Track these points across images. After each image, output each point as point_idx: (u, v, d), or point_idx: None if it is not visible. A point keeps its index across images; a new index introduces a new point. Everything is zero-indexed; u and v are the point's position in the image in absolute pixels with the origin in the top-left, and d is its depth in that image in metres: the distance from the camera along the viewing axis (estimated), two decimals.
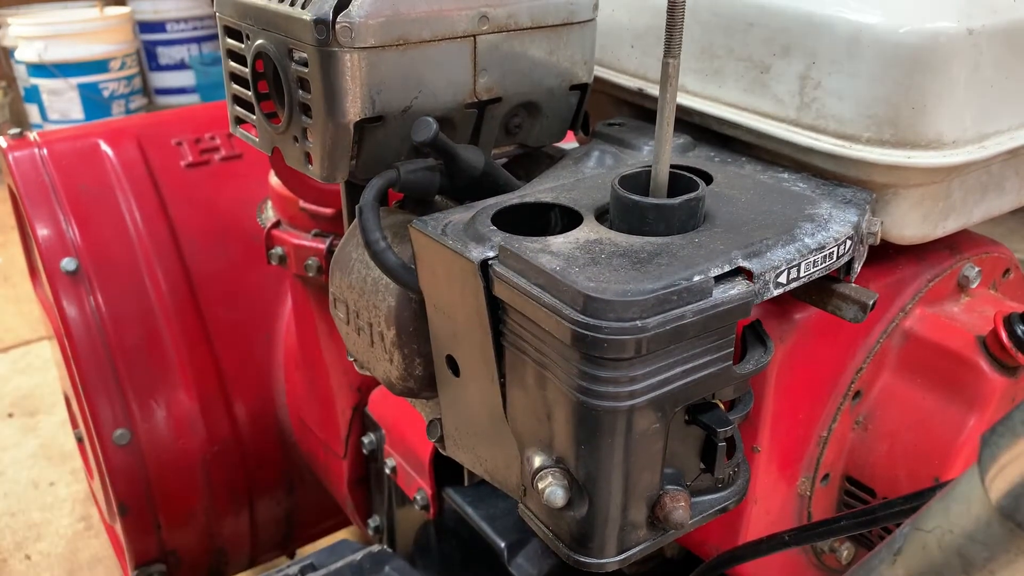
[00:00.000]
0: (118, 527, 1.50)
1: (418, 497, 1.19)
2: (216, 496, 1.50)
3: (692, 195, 0.55)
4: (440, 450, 0.69)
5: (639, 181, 0.57)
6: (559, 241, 0.54)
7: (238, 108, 0.74)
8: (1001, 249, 0.80)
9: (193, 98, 4.78)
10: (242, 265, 1.50)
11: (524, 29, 0.67)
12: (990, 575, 0.34)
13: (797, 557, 0.81)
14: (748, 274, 0.52)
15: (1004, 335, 0.68)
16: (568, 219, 0.59)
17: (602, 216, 0.58)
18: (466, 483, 1.15)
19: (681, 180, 0.57)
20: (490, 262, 0.53)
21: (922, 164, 0.62)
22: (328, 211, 1.22)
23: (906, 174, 0.63)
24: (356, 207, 0.61)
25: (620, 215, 0.56)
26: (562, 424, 0.52)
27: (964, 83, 0.63)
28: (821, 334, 0.69)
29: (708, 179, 0.63)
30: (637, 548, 0.55)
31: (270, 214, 1.32)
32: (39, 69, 4.19)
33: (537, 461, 0.54)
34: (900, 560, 0.38)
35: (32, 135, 1.48)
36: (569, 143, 0.80)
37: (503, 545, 1.03)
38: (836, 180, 0.66)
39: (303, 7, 0.61)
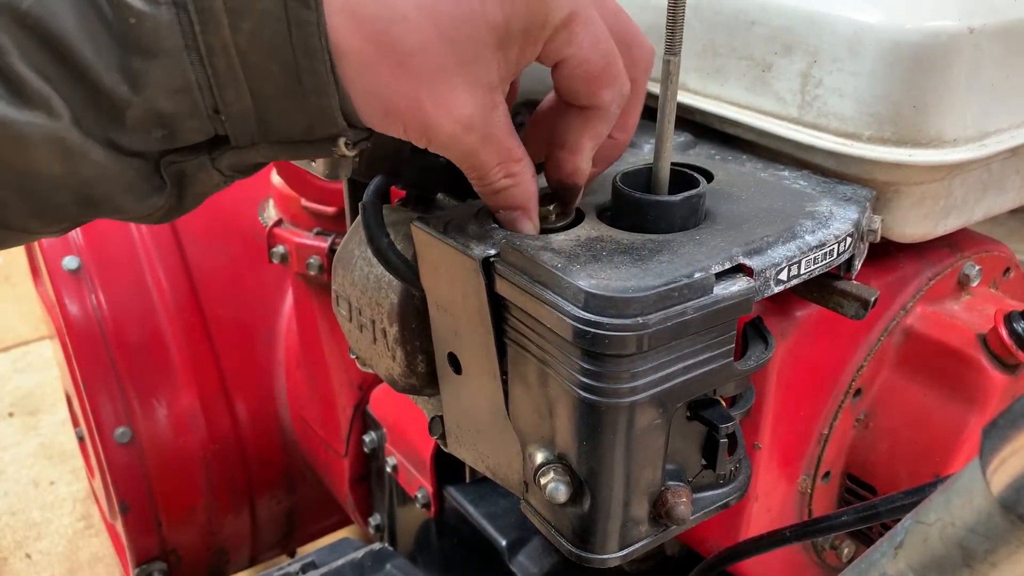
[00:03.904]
0: (119, 526, 1.51)
1: (419, 495, 1.19)
2: (217, 494, 1.50)
3: (693, 192, 0.55)
4: (442, 447, 0.69)
5: (640, 178, 0.57)
6: (560, 239, 0.54)
7: None
8: (1001, 248, 0.80)
9: None
10: (243, 264, 1.51)
11: None
12: (991, 567, 0.34)
13: (798, 555, 0.81)
14: (749, 271, 0.52)
15: (1004, 333, 0.68)
16: None
17: (603, 213, 0.58)
18: (467, 480, 1.15)
19: (682, 177, 0.57)
20: (492, 260, 0.53)
21: (923, 162, 0.63)
22: (330, 209, 1.22)
23: (907, 172, 0.64)
24: (359, 204, 0.61)
25: (621, 212, 0.56)
26: (564, 420, 0.52)
27: (965, 81, 0.63)
28: (822, 331, 0.69)
29: (709, 177, 0.63)
30: (639, 544, 0.56)
31: (272, 213, 1.33)
32: None
33: (539, 457, 0.55)
34: (901, 553, 0.39)
35: None
36: None
37: (504, 543, 1.04)
38: (837, 178, 0.66)
39: None
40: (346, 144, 0.47)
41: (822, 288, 0.63)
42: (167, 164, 0.46)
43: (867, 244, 0.64)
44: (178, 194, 0.48)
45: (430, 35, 0.44)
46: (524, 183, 0.52)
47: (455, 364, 0.61)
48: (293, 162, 0.69)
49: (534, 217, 0.54)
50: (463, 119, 0.47)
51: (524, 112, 0.73)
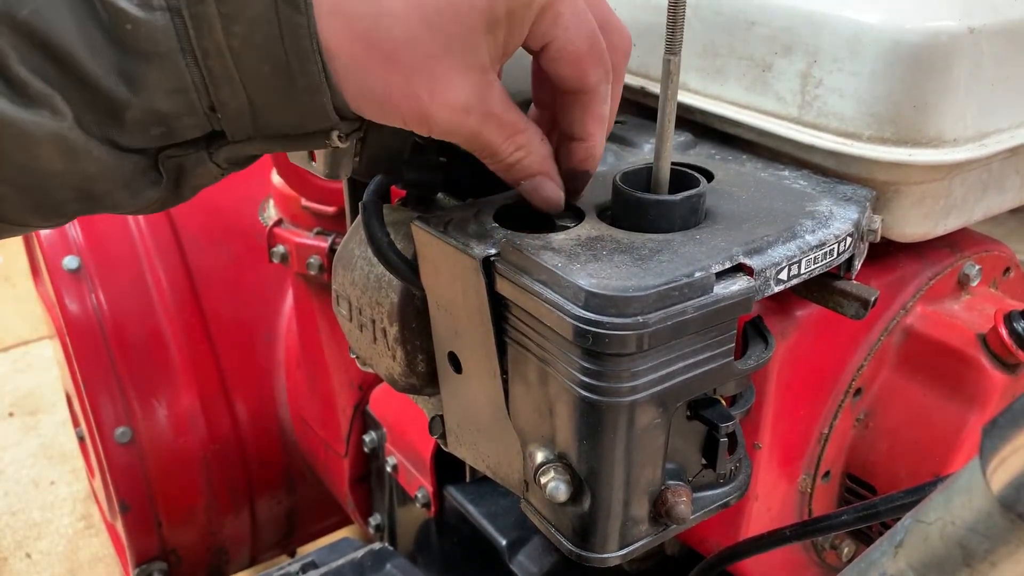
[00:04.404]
0: (119, 525, 1.51)
1: (419, 495, 1.19)
2: (217, 494, 1.50)
3: (693, 192, 0.55)
4: (442, 446, 0.69)
5: (640, 178, 0.57)
6: (560, 238, 0.54)
7: None
8: (1001, 247, 0.80)
9: None
10: (244, 264, 1.50)
11: None
12: (991, 566, 0.34)
13: (798, 555, 0.81)
14: (749, 271, 0.52)
15: (1004, 332, 0.68)
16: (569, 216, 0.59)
17: (603, 213, 0.58)
18: (467, 480, 1.16)
19: (682, 177, 0.57)
20: (492, 259, 0.53)
21: (923, 162, 0.63)
22: (330, 209, 1.22)
23: (907, 172, 0.64)
24: (360, 204, 0.61)
25: (621, 212, 0.56)
26: (564, 419, 0.53)
27: (965, 81, 0.63)
28: (822, 331, 0.69)
29: (709, 176, 0.63)
30: (639, 543, 0.56)
31: (272, 213, 1.33)
32: None
33: (539, 456, 0.55)
34: (901, 552, 0.39)
35: None
36: None
37: (504, 543, 1.04)
38: (837, 178, 0.66)
39: None
40: (339, 136, 0.49)
41: (822, 288, 0.63)
42: (165, 159, 0.47)
43: (867, 244, 0.64)
44: (175, 187, 0.49)
45: (417, 26, 0.45)
46: (535, 149, 0.53)
47: (455, 363, 0.61)
48: (293, 161, 0.69)
49: (555, 177, 0.55)
50: (459, 103, 0.48)
51: (525, 111, 0.73)
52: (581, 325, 0.47)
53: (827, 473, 0.77)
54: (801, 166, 0.68)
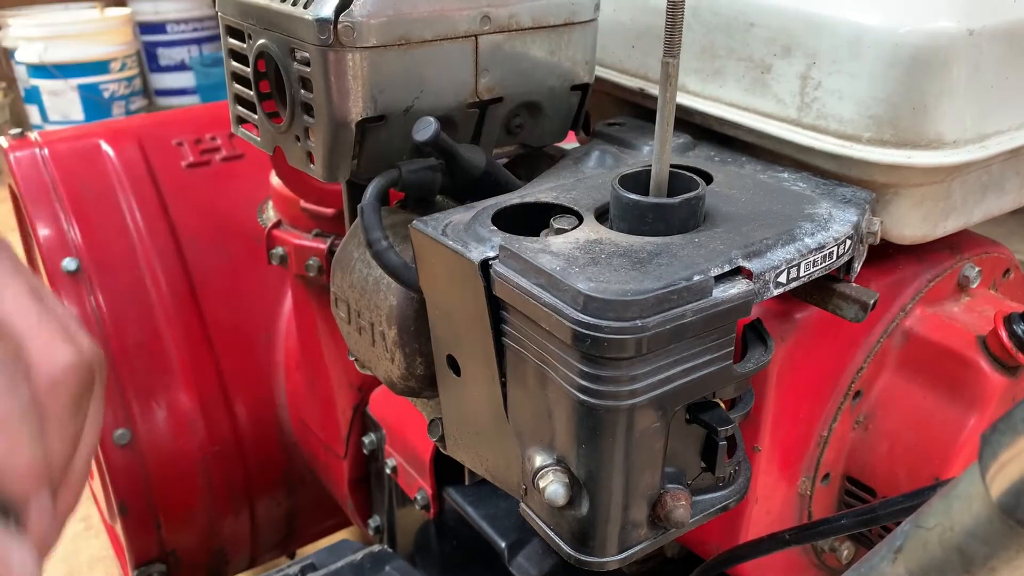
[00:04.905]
0: (118, 527, 1.51)
1: (419, 497, 1.19)
2: (216, 496, 1.50)
3: (692, 194, 0.55)
4: (441, 449, 0.69)
5: (639, 181, 0.57)
6: (559, 241, 0.54)
7: (240, 108, 0.75)
8: (1001, 249, 0.80)
9: (193, 99, 4.79)
10: (243, 265, 1.50)
11: (525, 29, 0.68)
12: (991, 572, 0.34)
13: (797, 557, 0.81)
14: (748, 274, 0.52)
15: (1004, 335, 0.68)
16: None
17: (602, 216, 0.58)
18: (467, 482, 1.15)
19: (681, 179, 0.57)
20: (490, 262, 0.53)
21: (922, 164, 0.62)
22: (329, 211, 1.22)
23: (906, 174, 0.64)
24: (358, 206, 0.61)
25: (620, 215, 0.56)
26: (563, 423, 0.52)
27: (964, 83, 0.63)
28: (822, 333, 0.69)
29: (708, 179, 0.63)
30: (638, 547, 0.56)
31: (271, 214, 1.32)
32: (39, 70, 4.19)
33: (538, 460, 0.54)
34: (900, 558, 0.38)
35: (33, 135, 1.48)
36: (570, 143, 0.80)
37: (504, 545, 1.03)
38: (836, 180, 0.66)
39: (305, 7, 0.61)
40: None
41: (821, 290, 0.62)
42: None
43: (866, 246, 0.64)
44: None
45: None
46: None
47: (454, 366, 0.61)
48: (292, 163, 0.69)
49: None
50: None
51: (524, 113, 0.73)
52: (580, 329, 0.47)
53: (826, 476, 0.77)
54: (800, 168, 0.68)
